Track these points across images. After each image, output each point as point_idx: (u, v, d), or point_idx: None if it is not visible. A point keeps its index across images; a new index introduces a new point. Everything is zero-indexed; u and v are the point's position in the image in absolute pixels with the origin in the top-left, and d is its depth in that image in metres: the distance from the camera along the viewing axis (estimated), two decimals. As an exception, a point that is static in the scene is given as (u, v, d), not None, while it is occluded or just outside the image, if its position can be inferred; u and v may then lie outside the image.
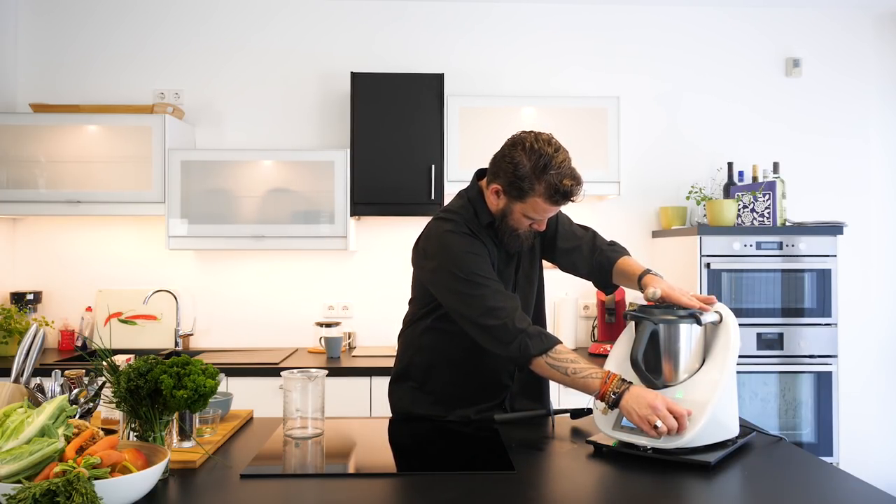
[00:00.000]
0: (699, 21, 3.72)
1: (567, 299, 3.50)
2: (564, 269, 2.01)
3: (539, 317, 2.02)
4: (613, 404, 1.58)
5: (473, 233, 1.82)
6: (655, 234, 3.65)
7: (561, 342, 1.71)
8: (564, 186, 1.68)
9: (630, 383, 1.60)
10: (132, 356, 1.67)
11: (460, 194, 1.93)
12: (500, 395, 1.94)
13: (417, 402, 1.95)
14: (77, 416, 1.63)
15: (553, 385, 3.00)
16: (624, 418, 1.58)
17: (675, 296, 1.63)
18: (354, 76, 3.32)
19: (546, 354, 1.67)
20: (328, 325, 3.39)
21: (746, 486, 1.41)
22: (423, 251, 1.89)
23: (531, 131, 1.77)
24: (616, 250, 1.94)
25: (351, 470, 1.53)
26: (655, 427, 1.50)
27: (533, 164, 1.70)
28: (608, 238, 2.02)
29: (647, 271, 1.79)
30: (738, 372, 3.09)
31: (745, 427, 1.69)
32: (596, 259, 1.93)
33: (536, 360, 1.68)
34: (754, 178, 3.41)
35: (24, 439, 1.23)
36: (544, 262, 2.04)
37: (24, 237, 3.61)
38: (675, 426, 1.50)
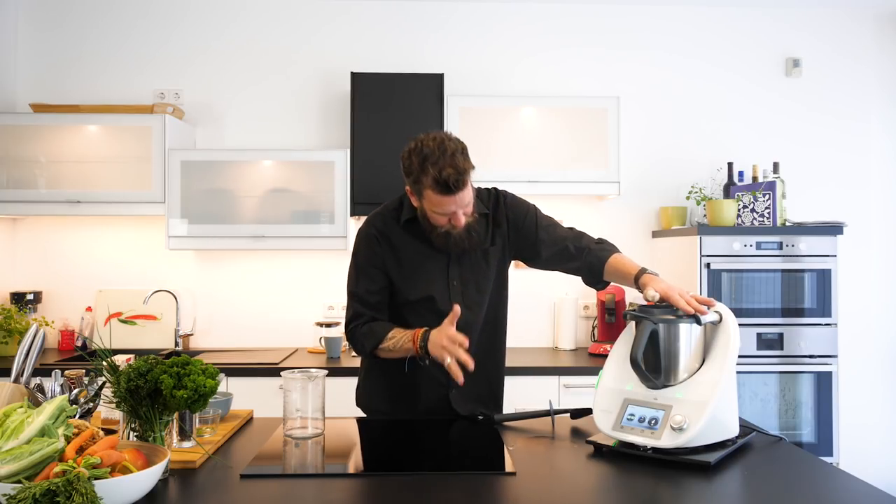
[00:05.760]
0: (699, 21, 3.72)
1: (567, 299, 3.50)
2: (551, 270, 2.03)
3: (497, 327, 2.02)
4: (427, 353, 1.73)
5: (380, 231, 1.93)
6: (655, 234, 3.65)
7: (390, 328, 1.86)
8: (446, 175, 1.73)
9: (429, 330, 1.75)
10: (132, 356, 1.67)
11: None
12: (440, 394, 1.94)
13: (370, 398, 2.06)
14: (77, 416, 1.63)
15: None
16: (625, 418, 1.58)
17: (673, 297, 1.62)
18: (354, 76, 3.32)
19: (376, 349, 1.86)
20: (328, 325, 3.39)
21: (746, 486, 1.41)
22: None
23: (428, 132, 1.83)
24: (605, 248, 1.92)
25: (351, 470, 1.53)
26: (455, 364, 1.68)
27: (418, 161, 1.78)
28: (611, 239, 2.00)
29: (644, 270, 1.77)
30: (738, 372, 3.09)
31: (745, 427, 1.69)
32: (585, 259, 1.91)
33: (374, 353, 1.88)
34: (754, 178, 3.41)
35: (24, 439, 1.23)
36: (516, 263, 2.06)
37: (24, 237, 3.61)
38: (460, 356, 1.67)
